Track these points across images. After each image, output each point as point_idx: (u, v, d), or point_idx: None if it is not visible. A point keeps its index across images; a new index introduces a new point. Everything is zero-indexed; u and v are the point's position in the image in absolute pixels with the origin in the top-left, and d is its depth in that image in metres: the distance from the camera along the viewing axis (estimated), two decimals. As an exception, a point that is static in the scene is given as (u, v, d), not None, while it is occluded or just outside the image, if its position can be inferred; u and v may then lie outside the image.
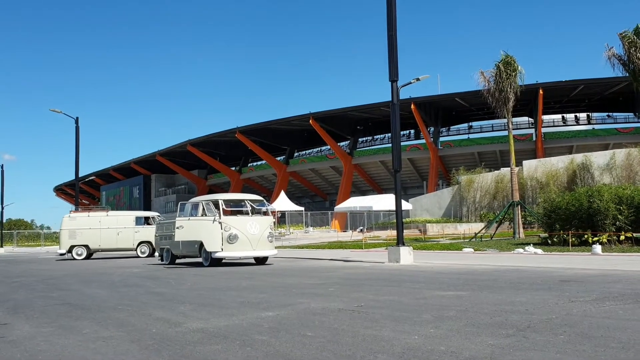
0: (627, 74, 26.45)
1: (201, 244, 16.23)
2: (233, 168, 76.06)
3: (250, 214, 16.59)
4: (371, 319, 5.78)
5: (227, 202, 16.85)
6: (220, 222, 15.72)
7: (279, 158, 69.33)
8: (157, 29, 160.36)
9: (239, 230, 15.71)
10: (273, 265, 15.99)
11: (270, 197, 57.02)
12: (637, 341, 4.38)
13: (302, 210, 48.04)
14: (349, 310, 6.50)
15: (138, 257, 24.64)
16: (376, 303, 7.11)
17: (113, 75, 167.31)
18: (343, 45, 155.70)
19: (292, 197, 57.27)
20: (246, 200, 17.08)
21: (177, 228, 17.22)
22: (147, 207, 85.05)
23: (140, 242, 25.42)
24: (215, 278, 12.21)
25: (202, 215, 16.33)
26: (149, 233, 24.05)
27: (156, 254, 20.49)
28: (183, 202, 18.35)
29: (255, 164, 76.13)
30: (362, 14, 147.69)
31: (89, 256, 25.56)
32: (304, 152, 72.77)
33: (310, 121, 57.80)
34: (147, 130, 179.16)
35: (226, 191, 68.27)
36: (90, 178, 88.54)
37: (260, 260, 16.90)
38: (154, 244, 22.37)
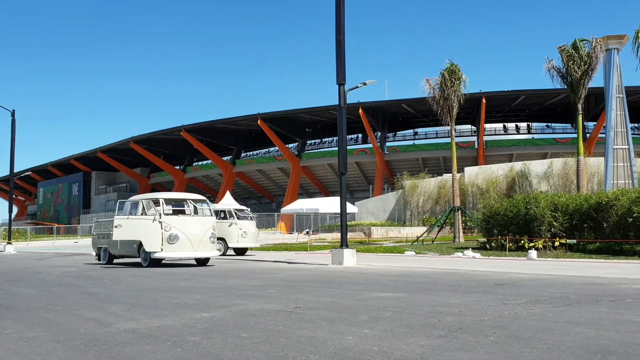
0: (565, 86, 27.62)
1: (140, 244, 15.82)
2: (177, 167, 74.75)
3: (192, 213, 16.30)
4: (308, 320, 5.75)
5: (168, 201, 16.49)
6: (160, 222, 15.36)
7: (225, 158, 68.62)
8: (102, 25, 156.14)
9: (180, 231, 15.39)
10: (214, 267, 15.76)
11: (215, 197, 56.36)
12: (562, 342, 4.51)
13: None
14: (286, 311, 6.45)
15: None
16: (315, 304, 7.09)
17: (53, 71, 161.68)
18: (294, 47, 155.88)
19: (239, 198, 56.75)
20: (188, 199, 16.77)
21: (115, 227, 16.71)
22: (87, 205, 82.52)
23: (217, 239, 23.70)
24: (153, 279, 11.92)
25: (142, 214, 15.91)
26: (225, 229, 21.90)
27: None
28: (122, 200, 17.84)
29: (200, 163, 75.06)
30: (316, 14, 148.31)
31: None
32: (251, 152, 72.31)
33: (259, 121, 57.51)
34: (88, 127, 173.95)
35: (170, 190, 66.97)
36: (27, 174, 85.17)
37: (202, 262, 16.61)
38: (226, 239, 21.72)
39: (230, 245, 21.52)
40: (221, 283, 10.74)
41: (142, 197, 16.79)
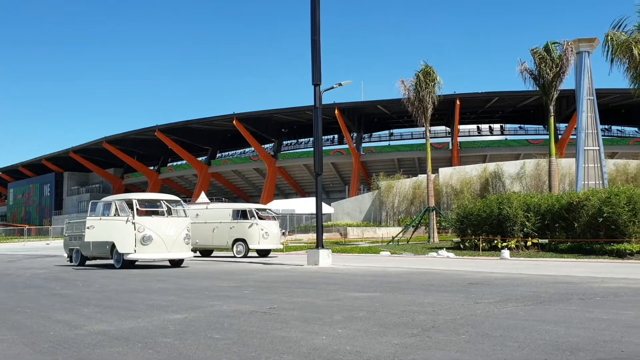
0: (538, 88, 28.05)
1: (113, 245, 15.59)
2: (151, 167, 73.91)
3: (166, 214, 16.13)
4: (282, 321, 5.73)
5: (142, 202, 16.28)
6: (133, 223, 15.17)
7: (200, 158, 68.09)
8: (72, 25, 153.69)
9: (154, 232, 15.22)
10: (188, 268, 15.62)
11: (190, 198, 55.87)
12: (532, 340, 4.57)
13: (223, 212, 47.34)
14: (260, 312, 6.42)
15: (234, 257, 20.82)
16: (289, 305, 7.07)
17: (23, 71, 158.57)
18: (270, 47, 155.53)
19: (214, 199, 56.33)
20: (162, 200, 16.59)
21: (88, 228, 16.43)
22: (59, 206, 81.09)
23: (236, 240, 21.27)
24: (126, 280, 11.76)
25: (114, 215, 15.68)
26: (245, 230, 21.00)
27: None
28: (95, 201, 17.58)
29: (175, 163, 74.34)
30: (292, 14, 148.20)
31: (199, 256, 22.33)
32: (226, 153, 71.86)
33: (234, 122, 57.20)
34: (60, 127, 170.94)
35: (143, 191, 66.25)
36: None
37: (176, 263, 16.44)
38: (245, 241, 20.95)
39: (250, 246, 20.66)
40: (195, 284, 10.65)
41: (115, 198, 16.57)
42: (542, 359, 3.91)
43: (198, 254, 22.07)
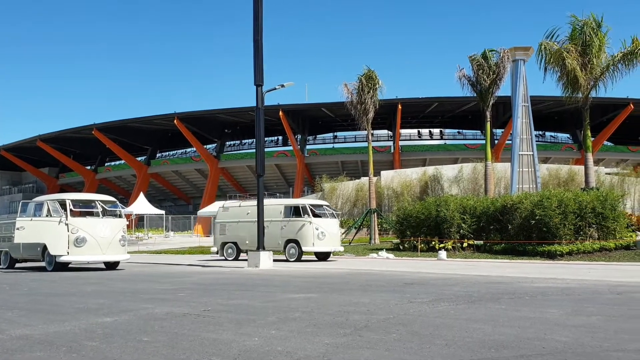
0: (475, 94, 28.89)
1: (45, 247, 15.01)
2: (88, 167, 71.53)
3: (100, 215, 15.65)
4: (215, 323, 5.65)
5: (76, 203, 15.72)
6: (67, 224, 14.65)
7: (139, 158, 66.42)
8: (9, 23, 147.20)
9: (88, 233, 14.74)
10: (124, 271, 15.22)
11: (128, 199, 54.46)
12: (460, 338, 4.69)
13: (162, 214, 46.39)
14: (194, 314, 6.31)
15: (287, 260, 18.72)
16: (225, 307, 6.99)
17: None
18: (213, 47, 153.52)
19: (153, 200, 55.14)
20: (96, 200, 16.08)
21: (18, 229, 15.74)
22: (-11, 207, 77.36)
23: (289, 241, 19.06)
24: (57, 283, 11.34)
25: (47, 216, 15.11)
26: (297, 229, 18.74)
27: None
28: (25, 201, 16.87)
29: (113, 163, 72.20)
30: (236, 15, 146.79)
31: (237, 257, 20.29)
32: (167, 153, 70.40)
33: (175, 121, 56.11)
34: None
35: (80, 192, 64.00)
36: None
37: (111, 265, 15.97)
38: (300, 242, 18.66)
39: (304, 249, 18.49)
40: (130, 287, 10.38)
41: (47, 198, 15.96)
42: (468, 357, 4.01)
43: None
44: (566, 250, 17.63)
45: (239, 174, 62.42)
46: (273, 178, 60.25)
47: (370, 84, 28.24)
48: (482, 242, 20.23)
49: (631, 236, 19.11)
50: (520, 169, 28.70)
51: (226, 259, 20.03)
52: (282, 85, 18.85)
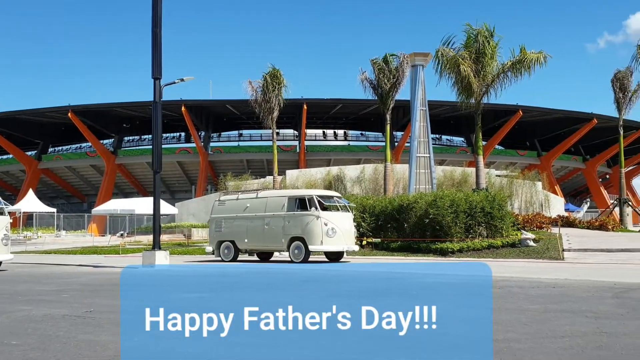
0: (377, 97, 29.68)
1: None
2: (-28, 162, 66.31)
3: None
4: (95, 324, 5.38)
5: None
6: (-62, 221, 13.42)
7: (29, 153, 62.37)
8: None
9: (-36, 231, 13.58)
10: (6, 272, 14.21)
11: (16, 195, 50.97)
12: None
13: (54, 212, 43.84)
14: (74, 316, 5.97)
15: (292, 261, 16.27)
16: (109, 308, 6.66)
17: None
18: (113, 40, 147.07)
19: (44, 197, 52.00)
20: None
21: None
22: None
23: (293, 239, 16.37)
24: None
25: None
26: (302, 225, 16.16)
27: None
28: None
29: None
30: (140, 7, 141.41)
31: (235, 258, 17.84)
32: (60, 147, 66.62)
33: (69, 114, 53.23)
34: None
35: (-39, 187, 59.16)
36: None
37: (-9, 266, 14.84)
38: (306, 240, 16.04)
39: (311, 247, 15.90)
40: (9, 289, 9.68)
41: None
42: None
43: (254, 257, 18.38)
44: (457, 247, 18.50)
45: (138, 170, 60.21)
46: (175, 175, 58.78)
47: (275, 83, 28.25)
48: (380, 240, 20.79)
49: (516, 234, 20.39)
50: (418, 170, 29.77)
51: (223, 260, 17.93)
52: (182, 79, 18.37)
